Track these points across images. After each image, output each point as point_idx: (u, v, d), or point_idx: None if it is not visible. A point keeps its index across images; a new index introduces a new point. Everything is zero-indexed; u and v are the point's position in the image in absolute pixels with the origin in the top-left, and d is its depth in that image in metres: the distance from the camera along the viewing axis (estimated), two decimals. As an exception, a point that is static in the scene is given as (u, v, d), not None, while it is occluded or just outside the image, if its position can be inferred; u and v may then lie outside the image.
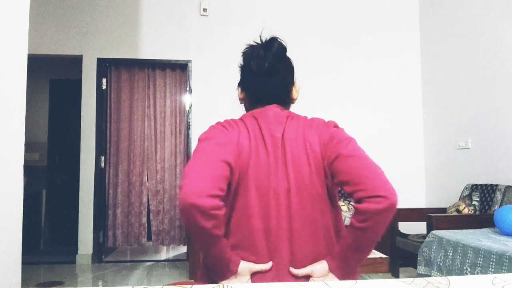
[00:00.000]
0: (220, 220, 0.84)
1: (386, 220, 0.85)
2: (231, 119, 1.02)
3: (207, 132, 0.97)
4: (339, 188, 0.98)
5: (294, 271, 0.91)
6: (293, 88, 1.09)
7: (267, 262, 0.92)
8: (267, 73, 1.01)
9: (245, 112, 1.10)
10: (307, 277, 0.92)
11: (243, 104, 1.13)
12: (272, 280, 0.91)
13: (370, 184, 0.83)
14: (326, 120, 1.03)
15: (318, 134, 0.98)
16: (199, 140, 0.95)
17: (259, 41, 1.04)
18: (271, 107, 1.02)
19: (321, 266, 0.92)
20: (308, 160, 0.94)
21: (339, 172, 0.90)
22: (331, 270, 0.92)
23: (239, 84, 1.10)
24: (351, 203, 3.53)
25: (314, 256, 0.93)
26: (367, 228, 0.84)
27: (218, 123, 1.01)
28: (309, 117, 1.05)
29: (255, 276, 0.92)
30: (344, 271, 0.92)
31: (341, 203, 3.62)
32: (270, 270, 0.92)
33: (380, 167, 0.89)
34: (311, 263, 0.93)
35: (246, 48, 1.05)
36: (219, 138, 0.93)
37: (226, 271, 0.90)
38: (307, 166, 0.94)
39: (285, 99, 1.07)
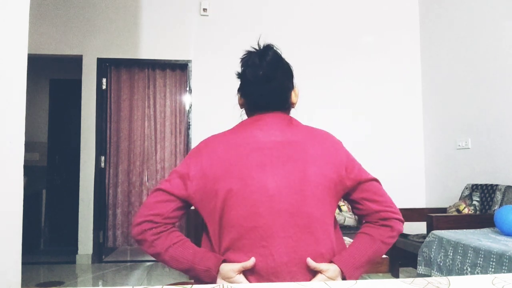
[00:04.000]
0: (151, 239, 0.97)
1: None
2: (204, 141, 1.05)
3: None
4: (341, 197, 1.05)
5: (312, 263, 0.92)
6: (292, 93, 1.10)
7: (263, 262, 0.91)
8: (263, 81, 1.02)
9: (245, 115, 1.13)
10: (312, 274, 0.93)
11: (243, 109, 1.15)
12: (270, 280, 0.90)
13: (397, 209, 1.03)
14: (328, 134, 1.07)
15: (321, 144, 1.01)
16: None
17: (257, 47, 1.04)
18: (270, 113, 1.04)
19: (335, 268, 0.93)
20: (306, 164, 0.96)
21: (367, 191, 1.02)
22: (347, 276, 0.94)
23: (239, 90, 1.11)
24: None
25: (313, 256, 0.93)
26: (392, 243, 1.03)
27: (190, 152, 1.06)
28: (308, 124, 1.09)
29: (252, 276, 0.92)
30: (355, 278, 0.96)
31: (341, 203, 3.62)
32: (270, 268, 0.91)
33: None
34: (307, 263, 0.93)
35: (244, 55, 1.06)
36: (175, 174, 1.01)
37: (208, 277, 0.92)
38: (304, 169, 0.95)
39: (284, 105, 1.08)
